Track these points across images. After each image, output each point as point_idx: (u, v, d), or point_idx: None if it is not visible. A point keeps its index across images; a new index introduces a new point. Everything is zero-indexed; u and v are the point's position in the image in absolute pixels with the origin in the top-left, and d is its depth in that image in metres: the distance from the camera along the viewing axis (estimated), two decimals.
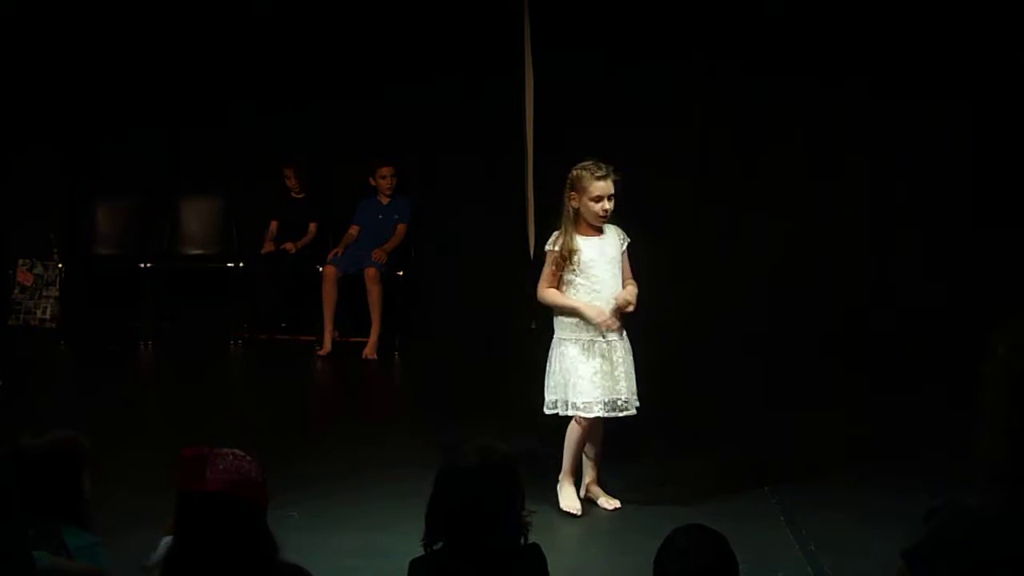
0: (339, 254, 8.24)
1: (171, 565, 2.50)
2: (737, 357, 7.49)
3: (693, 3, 8.04)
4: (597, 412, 4.78)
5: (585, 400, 4.76)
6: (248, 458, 2.56)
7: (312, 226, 8.54)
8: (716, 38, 7.99)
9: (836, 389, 6.86)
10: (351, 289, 8.14)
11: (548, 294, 4.83)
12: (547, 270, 4.84)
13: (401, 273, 8.26)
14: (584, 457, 4.99)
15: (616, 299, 4.78)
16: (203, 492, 2.44)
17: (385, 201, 8.39)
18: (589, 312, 4.73)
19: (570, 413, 4.80)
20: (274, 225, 8.55)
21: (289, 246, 8.41)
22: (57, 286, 8.64)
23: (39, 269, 8.72)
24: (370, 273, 8.02)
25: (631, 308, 4.79)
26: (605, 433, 4.96)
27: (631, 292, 4.81)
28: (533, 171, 8.29)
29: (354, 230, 8.40)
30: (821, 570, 4.25)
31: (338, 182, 8.75)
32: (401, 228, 8.34)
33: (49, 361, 7.73)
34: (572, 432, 4.87)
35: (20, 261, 8.72)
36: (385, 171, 8.32)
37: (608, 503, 4.95)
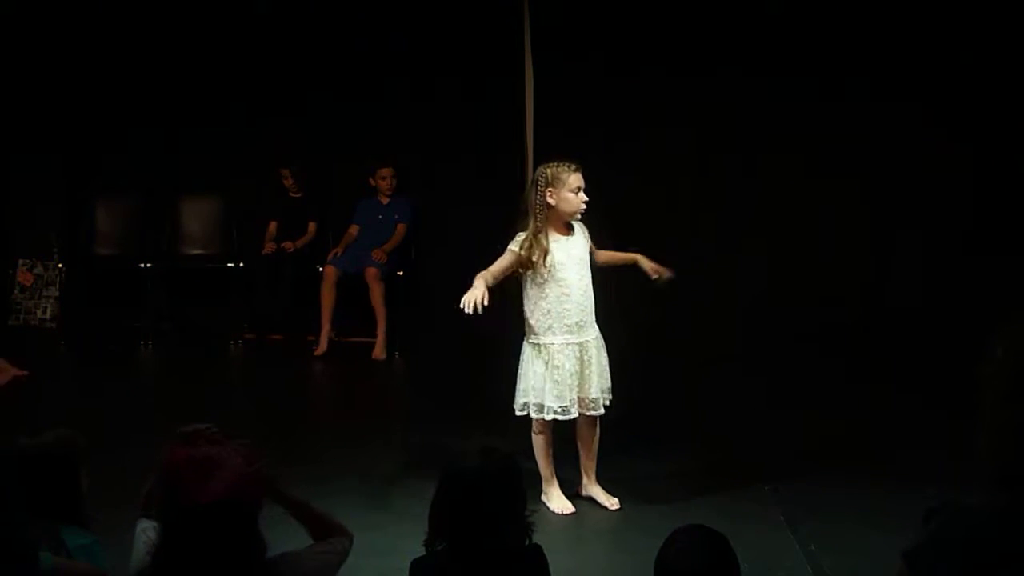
0: (339, 254, 8.24)
1: (159, 567, 2.46)
2: (737, 358, 7.48)
3: (693, 3, 8.03)
4: (573, 414, 4.79)
5: (562, 404, 4.76)
6: (243, 451, 2.52)
7: (311, 226, 8.54)
8: (716, 38, 7.99)
9: (837, 390, 6.85)
10: (351, 289, 8.14)
11: (481, 273, 4.72)
12: (500, 262, 4.77)
13: (401, 273, 8.26)
14: (581, 458, 4.99)
15: (659, 271, 4.91)
16: (210, 502, 2.39)
17: (385, 201, 8.39)
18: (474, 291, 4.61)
19: (547, 417, 4.78)
20: (273, 226, 8.55)
21: (288, 244, 8.41)
22: (57, 286, 8.64)
23: (39, 269, 8.72)
24: (371, 273, 8.02)
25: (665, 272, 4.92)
26: (601, 433, 4.96)
27: (648, 263, 4.95)
28: (533, 171, 8.28)
29: (354, 230, 8.40)
30: (821, 570, 4.25)
31: (338, 182, 8.75)
32: (401, 228, 8.34)
33: (49, 361, 7.73)
34: (537, 440, 4.88)
35: (20, 261, 8.73)
36: (385, 171, 8.32)
37: (608, 502, 4.95)
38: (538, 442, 4.89)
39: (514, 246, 4.81)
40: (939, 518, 2.08)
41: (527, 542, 2.82)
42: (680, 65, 8.00)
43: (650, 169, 8.03)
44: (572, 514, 4.88)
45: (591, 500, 4.98)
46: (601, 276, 4.97)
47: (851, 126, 7.98)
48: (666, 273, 4.97)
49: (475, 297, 4.57)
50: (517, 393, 4.85)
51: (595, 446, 4.97)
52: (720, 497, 4.98)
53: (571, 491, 5.00)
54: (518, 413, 4.85)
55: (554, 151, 7.85)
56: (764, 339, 7.66)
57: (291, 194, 8.56)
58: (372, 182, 8.38)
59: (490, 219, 8.35)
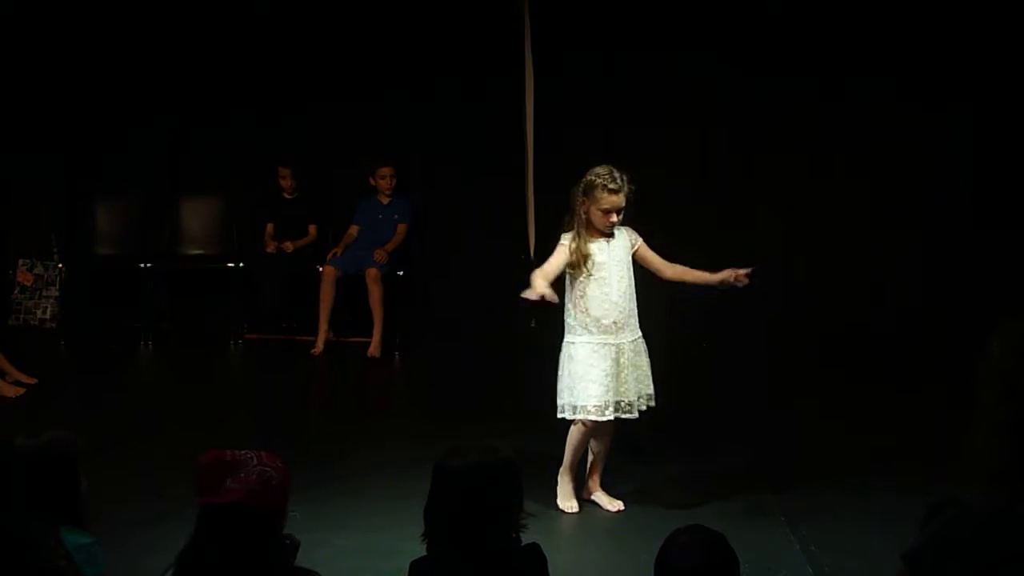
0: (338, 254, 8.24)
1: (183, 570, 2.48)
2: (737, 358, 7.48)
3: (693, 3, 8.03)
4: (609, 415, 4.76)
5: (596, 403, 4.74)
6: (272, 463, 2.53)
7: (312, 228, 8.52)
8: (716, 38, 7.99)
9: (837, 390, 6.85)
10: (351, 289, 8.14)
11: (537, 272, 4.76)
12: (554, 259, 4.80)
13: (401, 273, 8.25)
14: (590, 457, 4.98)
15: (735, 276, 4.94)
16: (221, 504, 2.42)
17: (385, 201, 8.38)
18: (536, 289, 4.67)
19: (579, 417, 4.77)
20: (270, 227, 8.53)
21: (288, 245, 8.39)
22: (57, 286, 8.63)
23: (39, 269, 8.71)
24: (371, 273, 8.02)
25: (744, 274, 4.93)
26: (615, 435, 4.96)
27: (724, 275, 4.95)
28: (533, 171, 8.28)
29: (354, 230, 8.40)
30: (821, 570, 4.25)
31: (338, 183, 8.74)
32: (402, 228, 8.33)
33: (49, 361, 7.73)
34: (575, 433, 4.85)
35: (20, 261, 8.71)
36: (385, 171, 8.31)
37: (611, 504, 4.94)
38: (579, 435, 4.83)
39: (565, 241, 4.81)
40: (939, 519, 2.08)
41: (520, 541, 2.81)
42: (681, 65, 8.00)
43: (650, 169, 8.00)
44: (576, 514, 4.87)
45: (593, 502, 4.98)
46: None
47: (852, 126, 7.98)
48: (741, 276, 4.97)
49: (539, 294, 4.61)
50: (558, 393, 4.83)
51: (606, 450, 4.96)
52: (720, 497, 4.97)
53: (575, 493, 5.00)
54: (559, 416, 4.82)
55: (554, 151, 7.94)
56: (764, 339, 7.66)
57: (285, 195, 8.54)
58: (372, 181, 8.37)
59: (490, 219, 8.41)
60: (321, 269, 8.17)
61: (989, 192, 7.78)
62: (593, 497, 4.99)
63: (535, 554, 2.82)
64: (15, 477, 2.90)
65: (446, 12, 8.29)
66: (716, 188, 8.18)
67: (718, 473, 5.32)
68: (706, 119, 8.14)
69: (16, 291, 8.71)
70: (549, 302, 4.66)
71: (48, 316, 8.68)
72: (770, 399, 6.65)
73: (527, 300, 4.64)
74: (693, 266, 5.03)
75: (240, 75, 8.59)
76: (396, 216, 8.34)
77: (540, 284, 4.63)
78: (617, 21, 8.08)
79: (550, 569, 2.84)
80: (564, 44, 8.12)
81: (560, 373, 4.84)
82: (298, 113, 8.60)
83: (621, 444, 5.10)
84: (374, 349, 7.96)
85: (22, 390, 6.77)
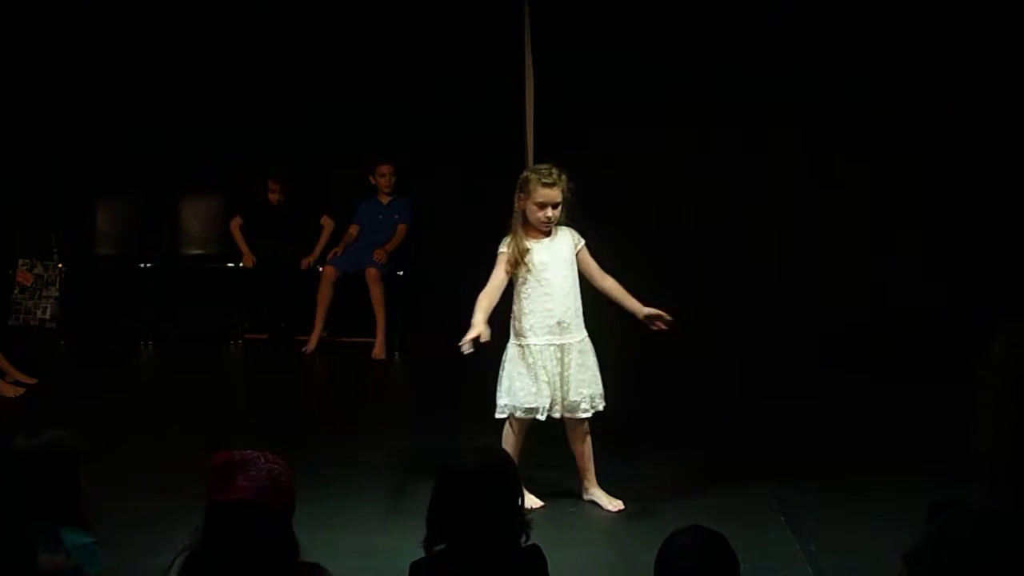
0: (338, 254, 8.24)
1: (191, 569, 2.49)
2: (737, 358, 7.48)
3: (693, 3, 8.04)
4: (541, 416, 4.76)
5: (530, 405, 4.75)
6: (278, 462, 2.55)
7: (325, 221, 8.48)
8: (716, 38, 7.99)
9: (836, 390, 6.85)
10: (351, 289, 8.14)
11: (480, 297, 4.76)
12: (496, 271, 4.80)
13: (401, 273, 8.26)
14: (577, 461, 4.97)
15: (658, 320, 4.77)
16: (234, 501, 2.43)
17: (385, 201, 8.39)
18: (472, 331, 4.62)
19: (517, 415, 4.78)
20: (239, 222, 8.50)
21: (306, 261, 8.34)
22: (57, 286, 8.63)
23: (39, 269, 8.71)
24: (371, 273, 8.03)
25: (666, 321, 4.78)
26: (595, 436, 4.95)
27: (651, 311, 4.81)
28: None
29: (354, 230, 8.40)
30: (821, 570, 4.25)
31: (337, 183, 8.74)
32: (402, 228, 8.33)
33: (49, 361, 7.73)
34: (507, 436, 4.83)
35: (20, 261, 8.71)
36: (384, 169, 8.32)
37: (611, 504, 4.94)
38: (511, 438, 4.82)
39: (503, 247, 4.83)
40: (940, 520, 2.07)
41: (525, 540, 2.81)
42: (681, 64, 8.00)
43: (651, 169, 8.02)
44: (575, 513, 4.86)
45: (593, 503, 4.98)
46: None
47: (851, 125, 7.98)
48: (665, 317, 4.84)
49: (471, 337, 4.60)
50: (498, 394, 4.83)
51: (587, 449, 4.95)
52: (720, 497, 4.97)
53: (574, 494, 5.00)
54: (498, 416, 4.83)
55: (554, 151, 7.93)
56: (765, 339, 7.66)
57: (272, 205, 8.50)
58: (372, 180, 8.37)
59: (490, 219, 8.38)
60: (321, 269, 8.18)
61: (989, 192, 7.79)
62: (592, 497, 4.98)
63: (536, 555, 2.82)
64: (15, 477, 2.89)
65: (446, 12, 8.29)
66: (716, 188, 8.17)
67: (717, 473, 5.32)
68: (706, 119, 8.13)
69: (16, 291, 8.71)
70: (484, 343, 4.63)
71: (48, 316, 8.68)
72: (770, 399, 6.64)
73: (466, 348, 4.59)
74: (633, 289, 4.95)
75: (240, 75, 8.59)
76: (396, 216, 8.35)
77: (478, 321, 4.61)
78: (617, 21, 8.08)
79: (550, 569, 2.84)
80: (564, 44, 8.12)
81: (503, 374, 4.83)
82: (298, 113, 8.60)
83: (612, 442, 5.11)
84: (379, 350, 7.96)
85: (22, 390, 6.77)
